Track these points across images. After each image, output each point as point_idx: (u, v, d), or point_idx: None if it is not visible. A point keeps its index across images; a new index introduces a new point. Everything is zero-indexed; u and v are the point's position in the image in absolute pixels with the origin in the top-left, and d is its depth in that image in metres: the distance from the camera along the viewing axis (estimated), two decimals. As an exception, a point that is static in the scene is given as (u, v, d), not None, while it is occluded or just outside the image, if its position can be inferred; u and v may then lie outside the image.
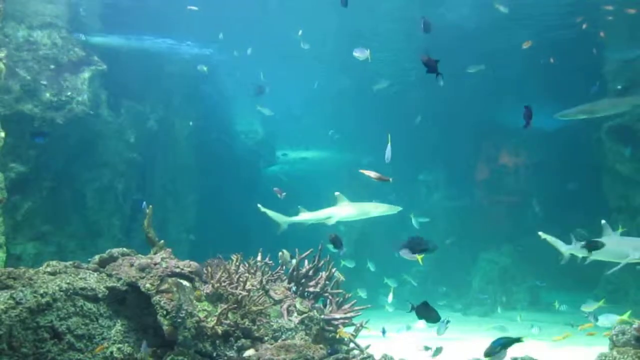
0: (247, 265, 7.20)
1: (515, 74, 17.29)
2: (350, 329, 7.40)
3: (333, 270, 7.59)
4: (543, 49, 14.98)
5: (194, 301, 6.07)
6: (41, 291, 5.33)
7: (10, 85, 12.17)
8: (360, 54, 9.24)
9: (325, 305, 7.34)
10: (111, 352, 5.58)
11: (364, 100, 20.47)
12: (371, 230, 18.07)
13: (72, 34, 13.63)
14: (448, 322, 7.53)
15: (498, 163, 20.23)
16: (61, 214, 13.79)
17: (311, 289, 7.38)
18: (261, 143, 23.03)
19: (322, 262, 7.50)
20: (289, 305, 6.89)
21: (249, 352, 5.99)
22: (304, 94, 22.35)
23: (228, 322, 6.04)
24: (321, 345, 6.26)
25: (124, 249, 6.48)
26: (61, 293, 5.46)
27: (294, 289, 7.22)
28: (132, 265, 6.10)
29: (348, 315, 7.32)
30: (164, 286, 5.79)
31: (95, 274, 5.98)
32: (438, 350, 7.81)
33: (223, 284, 6.41)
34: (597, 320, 8.34)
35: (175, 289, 5.81)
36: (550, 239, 9.09)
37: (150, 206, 6.86)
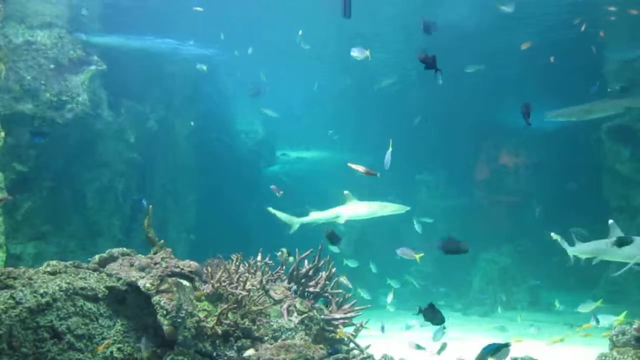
0: (247, 265, 7.20)
1: (516, 74, 17.30)
2: (350, 329, 7.40)
3: (333, 270, 7.58)
4: (543, 49, 14.98)
5: (194, 301, 6.07)
6: (41, 291, 5.33)
7: (10, 85, 12.17)
8: (358, 53, 9.22)
9: (327, 305, 7.33)
10: (111, 352, 5.58)
11: (364, 100, 20.49)
12: (371, 230, 18.08)
13: (72, 34, 13.63)
14: (445, 328, 7.52)
15: (498, 163, 20.23)
16: (61, 214, 13.79)
17: (311, 289, 7.37)
18: (261, 143, 23.03)
19: (322, 262, 7.49)
20: (289, 305, 6.89)
21: (249, 352, 5.99)
22: (304, 94, 22.37)
23: (228, 322, 6.04)
24: (321, 345, 6.26)
25: (124, 248, 6.48)
26: (61, 293, 5.46)
27: (294, 288, 7.22)
28: (132, 265, 6.11)
29: (348, 315, 7.32)
30: (164, 286, 5.79)
31: (95, 273, 5.98)
32: (443, 347, 7.82)
33: (223, 283, 6.41)
34: (598, 322, 8.30)
35: (175, 289, 5.81)
36: (561, 240, 9.00)
37: (150, 206, 6.86)
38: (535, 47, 14.25)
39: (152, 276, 5.86)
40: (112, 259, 6.29)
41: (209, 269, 6.61)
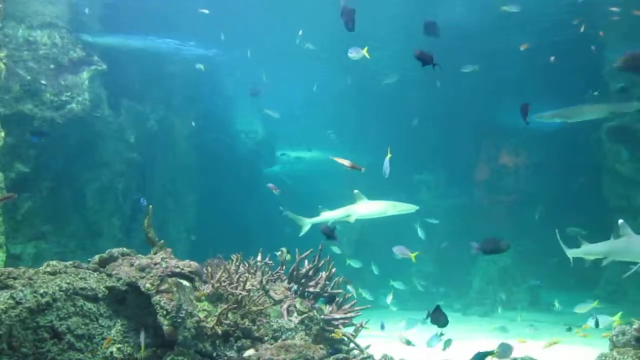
0: (247, 265, 7.20)
1: (516, 74, 17.30)
2: (351, 329, 7.40)
3: (333, 270, 7.58)
4: (543, 50, 14.99)
5: (194, 301, 6.07)
6: (41, 291, 5.32)
7: (10, 85, 12.18)
8: (355, 53, 9.20)
9: (332, 301, 7.31)
10: (111, 352, 5.58)
11: (365, 100, 20.47)
12: (371, 230, 18.07)
13: (72, 34, 13.63)
14: (441, 334, 7.52)
15: (498, 163, 20.22)
16: (61, 214, 13.79)
17: (311, 289, 7.37)
18: (261, 143, 23.03)
19: (322, 262, 7.49)
20: (289, 305, 6.88)
21: (249, 352, 5.99)
22: (305, 94, 22.35)
23: (228, 322, 6.04)
24: (321, 345, 6.26)
25: (124, 249, 6.48)
26: (61, 293, 5.46)
27: (294, 288, 7.22)
28: (132, 265, 6.10)
29: (348, 315, 7.32)
30: (164, 286, 5.79)
31: (95, 274, 5.98)
32: (448, 343, 7.81)
33: (223, 284, 6.40)
34: (597, 325, 8.25)
35: (175, 289, 5.81)
36: (566, 249, 8.89)
37: (151, 206, 6.85)
38: (535, 48, 14.25)
39: (152, 276, 5.86)
40: (112, 259, 6.29)
41: (209, 269, 6.61)
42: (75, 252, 13.19)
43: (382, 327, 9.84)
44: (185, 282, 6.08)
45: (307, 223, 11.86)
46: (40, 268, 5.84)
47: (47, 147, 12.91)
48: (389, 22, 16.23)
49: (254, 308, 6.33)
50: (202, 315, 5.99)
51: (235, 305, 6.19)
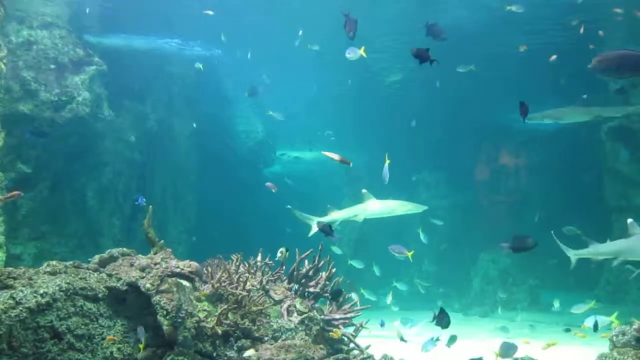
0: (247, 265, 7.20)
1: (517, 74, 17.28)
2: (351, 329, 7.40)
3: (333, 270, 7.58)
4: (543, 51, 14.97)
5: (194, 301, 6.07)
6: (41, 291, 5.33)
7: (10, 85, 12.17)
8: (352, 54, 9.20)
9: (338, 296, 7.31)
10: (111, 352, 5.58)
11: (365, 101, 20.46)
12: (371, 230, 18.08)
13: (73, 34, 13.64)
14: (437, 339, 7.53)
15: (498, 163, 20.22)
16: (61, 213, 13.79)
17: (311, 289, 7.38)
18: (261, 143, 23.03)
19: (322, 263, 7.49)
20: (289, 306, 6.89)
21: (249, 352, 5.99)
22: (305, 94, 22.35)
23: (228, 322, 6.04)
24: (321, 345, 6.27)
25: (124, 249, 6.49)
26: (61, 293, 5.46)
27: (295, 287, 7.22)
28: (132, 265, 6.11)
29: (348, 315, 7.33)
30: (164, 286, 5.79)
31: (95, 274, 5.98)
32: (453, 339, 7.81)
33: (223, 284, 6.41)
34: (596, 329, 8.21)
35: (175, 289, 5.81)
36: (566, 249, 8.84)
37: (150, 206, 6.86)
38: (535, 49, 14.24)
39: (152, 276, 5.87)
40: (112, 259, 6.30)
41: (209, 269, 6.62)
42: (75, 252, 13.19)
43: (382, 324, 9.87)
44: (185, 282, 6.09)
45: (315, 222, 11.82)
46: (41, 268, 5.85)
47: (47, 147, 12.91)
48: (389, 24, 16.23)
49: (254, 308, 6.33)
50: (202, 315, 6.00)
51: (235, 306, 6.20)
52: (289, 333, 6.51)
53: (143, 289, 5.75)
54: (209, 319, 6.00)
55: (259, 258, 7.57)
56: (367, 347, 7.20)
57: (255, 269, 7.27)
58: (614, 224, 15.08)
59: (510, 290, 17.02)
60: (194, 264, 6.38)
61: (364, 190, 11.99)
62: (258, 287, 6.84)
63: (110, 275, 5.98)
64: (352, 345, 7.15)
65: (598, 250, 8.51)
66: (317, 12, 15.10)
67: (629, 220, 8.04)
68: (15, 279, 5.46)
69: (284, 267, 7.63)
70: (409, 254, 9.40)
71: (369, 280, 14.81)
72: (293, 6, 15.77)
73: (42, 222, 13.21)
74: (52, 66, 13.02)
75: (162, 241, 6.73)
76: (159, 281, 5.82)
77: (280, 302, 6.92)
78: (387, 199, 12.87)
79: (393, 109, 19.69)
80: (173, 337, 5.66)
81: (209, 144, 19.07)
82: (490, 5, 14.27)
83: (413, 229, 15.10)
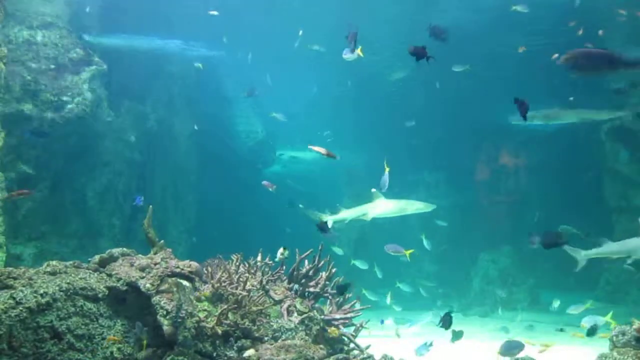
0: (247, 265, 7.20)
1: (517, 75, 17.28)
2: (351, 329, 7.39)
3: (333, 270, 7.57)
4: (543, 51, 14.97)
5: (194, 301, 6.07)
6: (41, 291, 5.33)
7: (10, 85, 12.17)
8: (350, 55, 9.19)
9: (343, 292, 7.31)
10: (111, 352, 5.58)
11: (365, 101, 20.46)
12: (370, 230, 18.08)
13: (73, 34, 13.64)
14: (431, 344, 7.54)
15: (498, 163, 20.22)
16: (61, 214, 13.79)
17: (311, 289, 7.37)
18: (261, 143, 23.02)
19: (322, 262, 7.49)
20: (289, 306, 6.88)
21: (249, 352, 5.99)
22: (305, 94, 22.34)
23: (228, 322, 6.04)
24: (321, 345, 6.26)
25: (124, 249, 6.48)
26: (61, 293, 5.46)
27: (295, 287, 7.22)
28: (132, 265, 6.11)
29: (348, 315, 7.32)
30: (164, 286, 5.79)
31: (95, 274, 5.98)
32: (459, 335, 7.81)
33: (223, 284, 6.41)
34: (594, 333, 8.19)
35: (175, 289, 5.81)
36: (570, 250, 8.79)
37: (150, 206, 6.85)
38: (535, 49, 14.24)
39: (152, 276, 5.87)
40: (112, 259, 6.29)
41: (209, 269, 6.62)
42: (75, 252, 13.18)
43: (382, 322, 9.91)
44: (185, 282, 6.09)
45: (324, 221, 11.82)
46: (41, 268, 5.85)
47: (47, 147, 12.90)
48: (389, 24, 16.24)
49: (254, 308, 6.33)
50: (202, 315, 6.00)
51: (235, 306, 6.20)
52: (289, 333, 6.50)
53: (143, 289, 5.75)
54: (209, 319, 6.00)
55: (259, 258, 7.57)
56: (367, 347, 7.20)
57: (255, 269, 7.27)
58: (614, 224, 15.09)
59: (510, 291, 17.03)
60: (194, 264, 6.38)
61: (373, 190, 11.99)
62: (258, 287, 6.84)
63: (110, 275, 5.98)
64: (352, 345, 7.15)
65: (611, 249, 8.43)
66: (317, 12, 15.11)
67: None
68: (15, 279, 5.46)
69: (284, 267, 7.62)
70: (407, 253, 9.41)
71: (369, 280, 14.81)
72: (293, 6, 15.78)
73: (42, 222, 13.21)
74: (52, 66, 13.02)
75: (162, 241, 6.72)
76: (159, 281, 5.82)
77: (280, 302, 6.92)
78: (389, 199, 12.87)
79: (393, 109, 19.68)
80: (173, 337, 5.66)
81: (209, 144, 19.07)
82: (490, 5, 14.28)
83: (414, 229, 15.10)
